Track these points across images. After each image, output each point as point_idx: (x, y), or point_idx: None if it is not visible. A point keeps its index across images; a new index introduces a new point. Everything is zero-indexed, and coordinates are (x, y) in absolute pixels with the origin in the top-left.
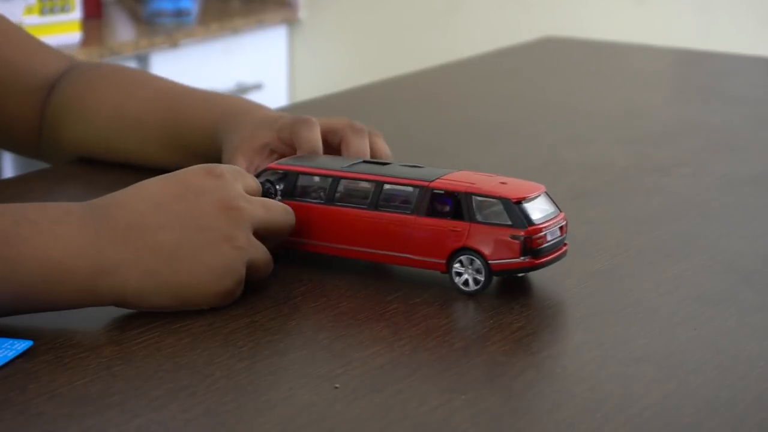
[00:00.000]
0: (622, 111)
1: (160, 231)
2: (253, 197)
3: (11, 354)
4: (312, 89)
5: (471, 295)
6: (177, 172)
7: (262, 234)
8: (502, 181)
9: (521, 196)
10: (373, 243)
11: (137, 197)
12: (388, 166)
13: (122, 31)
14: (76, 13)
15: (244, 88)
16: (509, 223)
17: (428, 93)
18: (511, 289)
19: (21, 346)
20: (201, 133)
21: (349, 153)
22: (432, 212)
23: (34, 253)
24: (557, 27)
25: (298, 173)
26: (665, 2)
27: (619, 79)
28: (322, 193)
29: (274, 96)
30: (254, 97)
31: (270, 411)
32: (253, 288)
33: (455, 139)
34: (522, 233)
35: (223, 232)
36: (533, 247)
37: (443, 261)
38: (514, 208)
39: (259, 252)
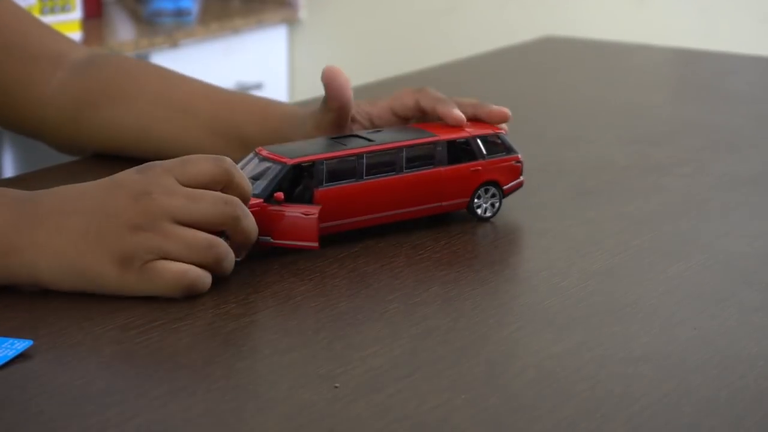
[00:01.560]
0: (622, 110)
1: (73, 215)
2: (181, 189)
3: (11, 353)
4: (312, 89)
5: (489, 219)
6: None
7: (192, 226)
8: (467, 124)
9: (502, 130)
10: (407, 203)
11: (69, 188)
12: (381, 134)
13: (122, 30)
14: (77, 13)
15: (244, 88)
16: (507, 153)
17: None
18: (510, 289)
19: (21, 345)
20: (263, 127)
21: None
22: (453, 160)
23: None
24: (557, 26)
25: (322, 161)
26: (665, 2)
27: (619, 79)
28: (349, 173)
29: (274, 96)
30: None
31: (270, 410)
32: (253, 288)
33: None
34: (520, 158)
35: (128, 220)
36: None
37: (467, 199)
38: (506, 139)
39: (176, 235)
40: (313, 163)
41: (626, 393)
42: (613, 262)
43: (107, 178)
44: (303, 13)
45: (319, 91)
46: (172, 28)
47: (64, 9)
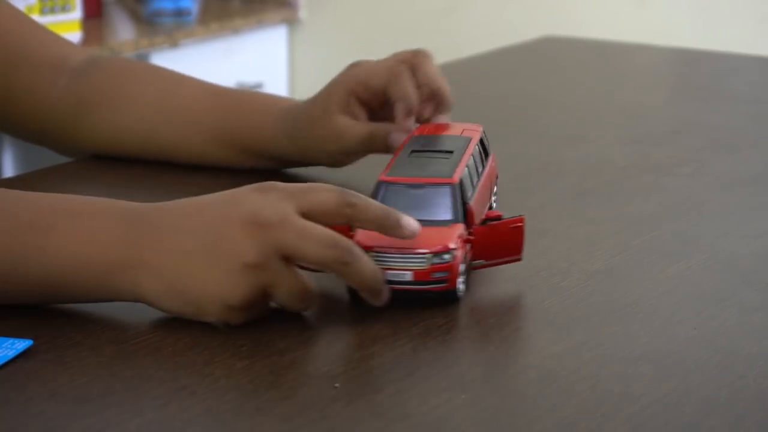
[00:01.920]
0: (622, 110)
1: (182, 234)
2: (295, 222)
3: (11, 353)
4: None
5: None
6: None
7: (297, 263)
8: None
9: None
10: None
11: (182, 202)
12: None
13: (122, 30)
14: (77, 13)
15: (244, 89)
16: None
17: None
18: (510, 289)
19: (21, 345)
20: (260, 132)
21: (422, 78)
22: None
23: (61, 244)
24: (557, 26)
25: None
26: (666, 2)
27: (619, 79)
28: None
29: None
30: None
31: (270, 410)
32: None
33: None
34: None
35: (238, 247)
36: None
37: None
38: None
39: (282, 280)
40: (461, 179)
41: (626, 392)
42: (612, 261)
43: (225, 193)
44: (303, 13)
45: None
46: (172, 28)
47: (64, 9)
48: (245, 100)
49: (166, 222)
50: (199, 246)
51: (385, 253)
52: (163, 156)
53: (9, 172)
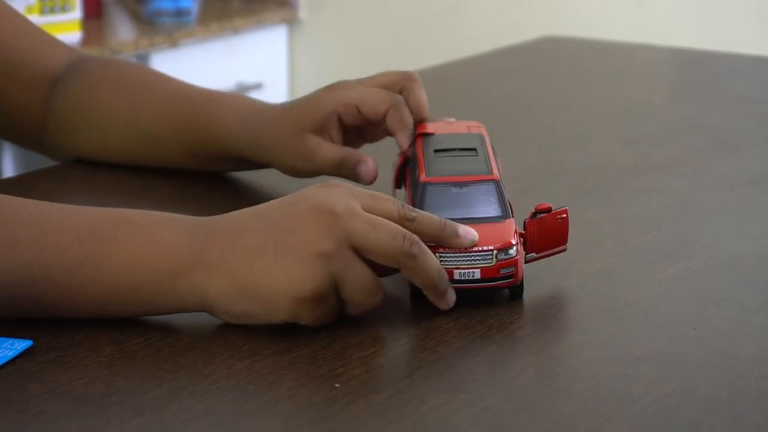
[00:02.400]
0: (622, 110)
1: (248, 233)
2: (364, 213)
3: (11, 353)
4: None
5: None
6: (298, 199)
7: (365, 255)
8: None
9: None
10: None
11: (246, 210)
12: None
13: (122, 30)
14: (77, 13)
15: (245, 88)
16: None
17: (428, 92)
18: (515, 295)
19: (21, 345)
20: (223, 138)
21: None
22: None
23: (122, 254)
24: (557, 26)
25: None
26: (665, 2)
27: (620, 79)
28: None
29: (274, 96)
30: (254, 96)
31: (270, 410)
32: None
33: None
34: None
35: (309, 236)
36: None
37: None
38: None
39: (353, 269)
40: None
41: (626, 393)
42: (613, 262)
43: (289, 196)
44: (303, 13)
45: None
46: (172, 28)
47: (64, 9)
48: (211, 104)
49: (231, 224)
50: (268, 242)
51: (451, 253)
52: (152, 163)
53: (9, 172)
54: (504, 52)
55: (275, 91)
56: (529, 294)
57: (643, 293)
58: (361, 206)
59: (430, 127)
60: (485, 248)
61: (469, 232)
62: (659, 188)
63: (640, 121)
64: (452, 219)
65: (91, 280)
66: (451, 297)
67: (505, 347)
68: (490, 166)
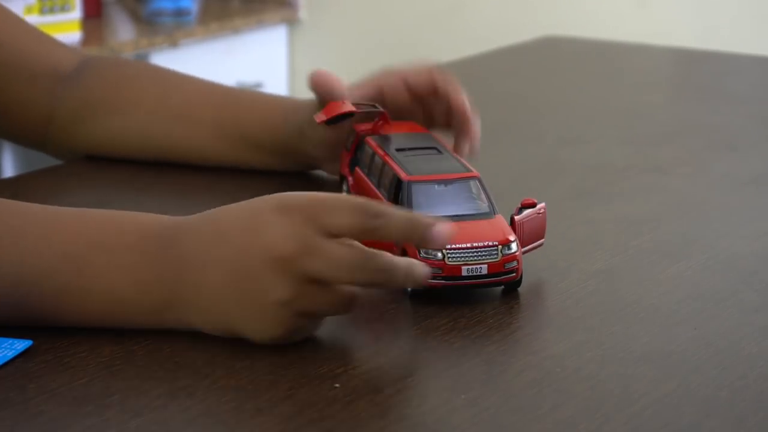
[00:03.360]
0: (623, 111)
1: (213, 268)
2: (320, 247)
3: (11, 354)
4: None
5: None
6: (252, 201)
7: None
8: None
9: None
10: None
11: (207, 226)
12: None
13: (122, 30)
14: (76, 13)
15: (244, 88)
16: None
17: None
18: (510, 289)
19: (21, 345)
20: (266, 124)
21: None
22: None
23: (101, 286)
24: (558, 26)
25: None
26: (666, 2)
27: (620, 79)
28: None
29: None
30: None
31: (270, 410)
32: None
33: None
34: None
35: (266, 286)
36: None
37: None
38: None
39: (318, 302)
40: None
41: (626, 393)
42: (612, 262)
43: (245, 213)
44: (303, 13)
45: None
46: (171, 27)
47: (64, 9)
48: (249, 95)
49: (193, 253)
50: (228, 281)
51: (459, 249)
52: (162, 155)
53: (9, 172)
54: (504, 51)
55: (275, 91)
56: (529, 294)
57: (643, 293)
58: (318, 230)
59: (375, 127)
60: (490, 243)
61: (443, 231)
62: (659, 188)
63: (640, 121)
64: (443, 217)
65: (76, 306)
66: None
67: (505, 347)
68: (464, 163)
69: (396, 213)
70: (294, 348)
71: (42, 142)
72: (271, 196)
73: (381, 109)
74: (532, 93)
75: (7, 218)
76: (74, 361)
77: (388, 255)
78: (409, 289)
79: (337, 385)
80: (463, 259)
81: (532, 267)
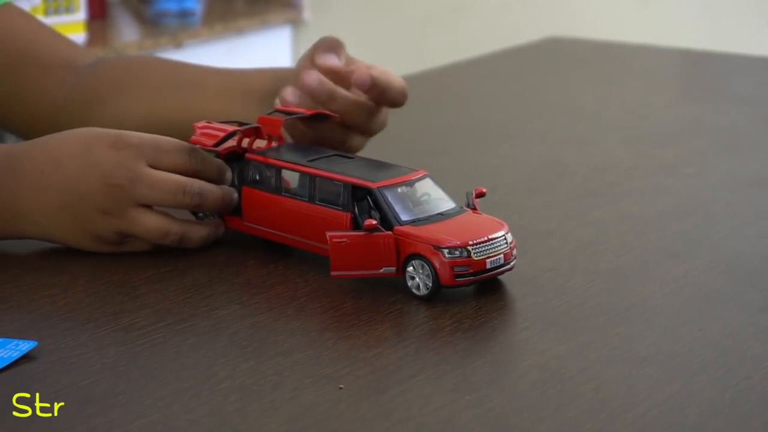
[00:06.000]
0: (627, 111)
1: (50, 191)
2: (146, 175)
3: (16, 354)
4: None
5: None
6: (86, 130)
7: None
8: None
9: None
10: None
11: (42, 154)
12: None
13: (127, 31)
14: (81, 14)
15: (218, 68)
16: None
17: (432, 94)
18: (515, 290)
19: (25, 346)
20: (263, 78)
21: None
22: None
23: None
24: (562, 27)
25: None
26: (670, 2)
27: (624, 80)
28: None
29: None
30: None
31: (274, 411)
32: (257, 288)
33: (459, 139)
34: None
35: (98, 205)
36: None
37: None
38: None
39: (138, 225)
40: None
41: (631, 394)
42: (617, 262)
43: (76, 140)
44: (307, 14)
45: None
46: (176, 29)
47: (69, 10)
48: (217, 79)
49: (30, 177)
50: (64, 203)
51: (480, 243)
52: (168, 130)
53: None
54: (508, 53)
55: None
56: (533, 295)
57: (648, 294)
58: (148, 164)
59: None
60: (501, 234)
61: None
62: (664, 189)
63: (644, 122)
64: (426, 219)
65: None
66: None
67: (510, 348)
68: (397, 165)
69: (213, 160)
70: (299, 349)
71: (54, 129)
72: (106, 131)
73: (247, 126)
74: (537, 94)
75: None
76: (79, 362)
77: (204, 182)
78: (426, 290)
79: (341, 386)
80: (485, 252)
81: (537, 267)
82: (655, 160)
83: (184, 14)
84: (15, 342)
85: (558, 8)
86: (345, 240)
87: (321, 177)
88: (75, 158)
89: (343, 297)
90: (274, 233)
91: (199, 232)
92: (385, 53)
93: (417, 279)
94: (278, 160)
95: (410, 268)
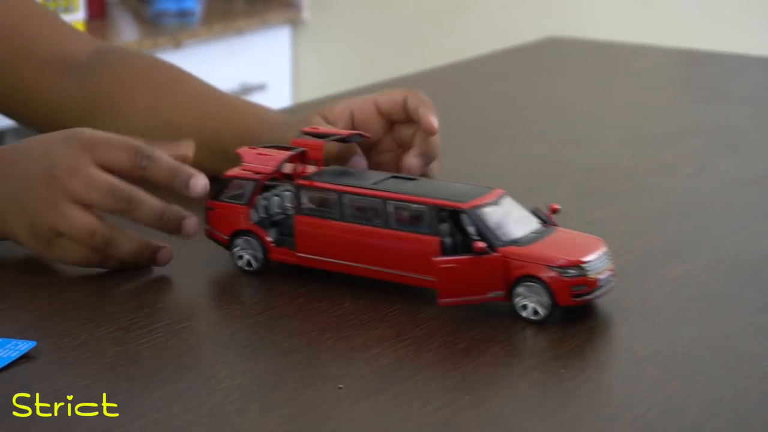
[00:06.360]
0: (626, 111)
1: (7, 180)
2: (86, 172)
3: (15, 354)
4: (316, 90)
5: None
6: (53, 133)
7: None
8: None
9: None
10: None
11: (11, 150)
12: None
13: (126, 31)
14: (80, 14)
15: (248, 89)
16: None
17: (432, 93)
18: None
19: (24, 346)
20: (241, 137)
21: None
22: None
23: None
24: (561, 27)
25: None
26: (670, 2)
27: (623, 80)
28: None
29: (277, 96)
30: (258, 97)
31: (274, 411)
32: (256, 288)
33: (459, 139)
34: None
35: (37, 195)
36: None
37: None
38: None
39: (66, 221)
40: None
41: (631, 394)
42: (617, 262)
43: (41, 142)
44: (307, 14)
45: (323, 92)
46: (175, 28)
47: (68, 10)
48: (234, 105)
49: (1, 166)
50: (16, 191)
51: (592, 261)
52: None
53: None
54: (507, 52)
55: (279, 92)
56: None
57: (648, 294)
58: (93, 159)
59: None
60: (605, 250)
61: (198, 184)
62: (663, 189)
63: (644, 122)
64: (524, 239)
65: None
66: (191, 226)
67: (509, 348)
68: (465, 183)
69: (163, 158)
70: (298, 349)
71: (52, 128)
72: (74, 129)
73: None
74: (536, 94)
75: None
76: (78, 362)
77: (142, 192)
78: (542, 313)
79: (341, 386)
80: (596, 270)
81: None
82: (655, 160)
83: (184, 14)
84: (14, 342)
85: (557, 8)
86: (453, 265)
87: (399, 200)
88: (34, 151)
89: (342, 297)
90: (340, 263)
91: (130, 243)
92: (384, 53)
93: (528, 302)
94: (340, 185)
95: (520, 290)
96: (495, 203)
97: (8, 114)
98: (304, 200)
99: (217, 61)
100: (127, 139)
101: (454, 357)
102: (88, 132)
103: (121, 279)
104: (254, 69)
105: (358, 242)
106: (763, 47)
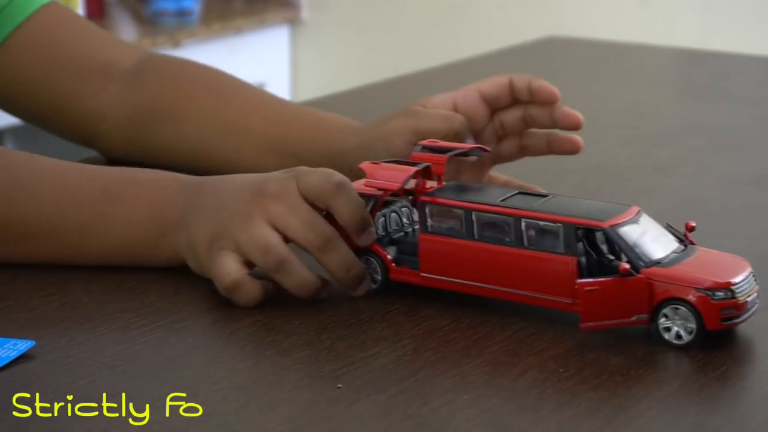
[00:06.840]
0: (625, 110)
1: (212, 196)
2: (290, 198)
3: (14, 354)
4: (315, 89)
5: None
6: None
7: (282, 234)
8: None
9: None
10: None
11: (226, 179)
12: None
13: (124, 30)
14: (79, 13)
15: (297, 104)
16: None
17: (432, 93)
18: None
19: (23, 346)
20: (320, 145)
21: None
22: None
23: (124, 213)
24: (560, 26)
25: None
26: (668, 2)
27: (622, 79)
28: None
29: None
30: None
31: (272, 411)
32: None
33: None
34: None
35: (238, 207)
36: None
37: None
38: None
39: (250, 235)
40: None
41: (629, 393)
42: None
43: (260, 179)
44: (305, 13)
45: (321, 91)
46: (174, 28)
47: None
48: (302, 112)
49: (211, 185)
50: (220, 203)
51: (741, 283)
52: (212, 167)
53: None
54: (506, 52)
55: (278, 91)
56: None
57: None
58: (297, 188)
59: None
60: (750, 271)
61: (369, 236)
62: (662, 188)
63: (642, 121)
64: (666, 259)
65: (96, 235)
66: (363, 286)
67: (508, 347)
68: (597, 200)
69: (352, 193)
70: (297, 348)
71: (91, 140)
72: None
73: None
74: None
75: (54, 165)
76: (77, 361)
77: (295, 258)
78: (688, 338)
79: (339, 385)
80: (744, 292)
81: None
82: (654, 160)
83: (182, 13)
84: (13, 341)
85: (556, 7)
86: (597, 287)
87: (533, 218)
88: (253, 177)
89: (341, 296)
90: (468, 284)
91: (301, 271)
92: (383, 53)
93: (672, 324)
94: (468, 201)
95: (666, 313)
96: (634, 221)
97: (45, 126)
98: (429, 218)
99: (216, 60)
100: (327, 170)
101: (453, 356)
102: (269, 186)
103: (121, 279)
104: (253, 68)
105: (489, 262)
106: (763, 47)
